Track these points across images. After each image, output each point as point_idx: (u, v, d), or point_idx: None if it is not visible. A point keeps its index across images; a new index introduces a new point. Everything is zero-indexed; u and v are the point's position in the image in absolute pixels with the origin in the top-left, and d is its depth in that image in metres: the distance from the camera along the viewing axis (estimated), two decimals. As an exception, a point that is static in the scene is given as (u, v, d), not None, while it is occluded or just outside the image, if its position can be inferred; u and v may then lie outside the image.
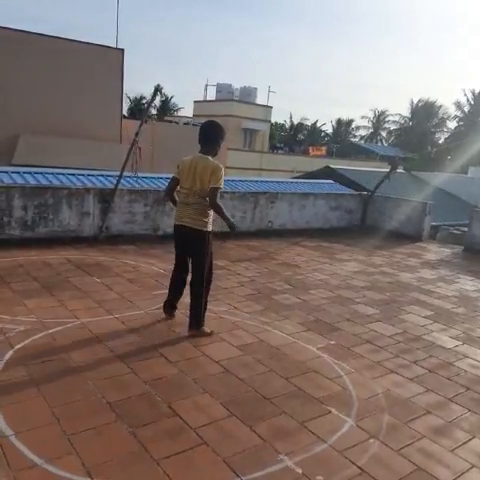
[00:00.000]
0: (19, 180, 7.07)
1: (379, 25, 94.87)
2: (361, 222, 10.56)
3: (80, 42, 14.56)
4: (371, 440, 2.75)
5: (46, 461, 2.32)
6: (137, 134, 7.05)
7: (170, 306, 4.31)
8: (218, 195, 3.84)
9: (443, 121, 45.68)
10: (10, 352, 3.40)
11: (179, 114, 37.15)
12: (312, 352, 3.90)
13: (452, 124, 45.32)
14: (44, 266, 5.66)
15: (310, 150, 37.98)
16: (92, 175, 8.12)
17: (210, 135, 3.97)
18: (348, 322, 4.69)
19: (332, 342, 4.14)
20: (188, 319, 4.05)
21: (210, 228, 3.97)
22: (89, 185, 7.49)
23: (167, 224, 7.83)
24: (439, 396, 3.35)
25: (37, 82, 13.63)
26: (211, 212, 3.95)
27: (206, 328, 4.05)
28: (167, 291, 4.34)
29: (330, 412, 3.01)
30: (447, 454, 2.70)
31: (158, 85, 7.16)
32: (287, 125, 50.25)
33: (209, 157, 3.92)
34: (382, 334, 4.45)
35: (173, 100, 40.08)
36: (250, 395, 3.13)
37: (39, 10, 71.18)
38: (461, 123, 43.46)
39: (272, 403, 3.05)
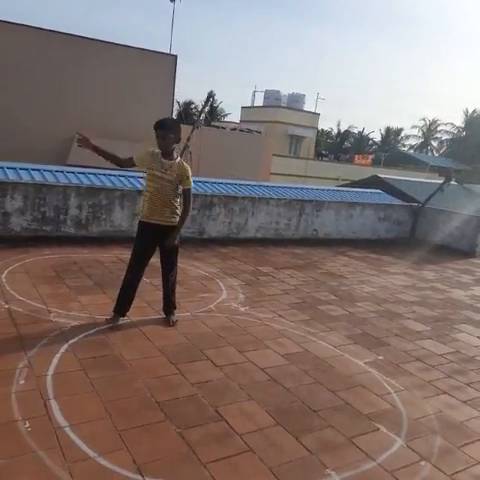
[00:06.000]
0: (74, 180, 7.33)
1: (435, 30, 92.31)
2: (410, 234, 10.25)
3: (135, 48, 15.08)
4: (422, 462, 2.66)
5: (99, 454, 2.39)
6: (189, 139, 7.20)
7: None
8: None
9: (501, 132, 43.65)
10: (65, 345, 3.54)
11: (227, 119, 37.57)
12: (359, 366, 3.82)
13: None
14: (97, 264, 5.86)
15: (356, 158, 37.42)
16: (143, 177, 8.32)
17: None
18: (397, 338, 4.56)
19: (380, 357, 4.03)
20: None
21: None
22: (140, 187, 7.70)
23: (212, 228, 7.94)
24: (495, 422, 3.19)
25: (93, 85, 14.23)
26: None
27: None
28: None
29: (379, 429, 2.93)
30: (504, 484, 2.57)
31: (211, 92, 7.37)
32: (334, 132, 49.72)
33: None
34: (433, 352, 4.29)
35: (221, 106, 40.64)
36: (296, 406, 3.10)
37: (94, 15, 74.13)
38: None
39: (319, 416, 3.00)
